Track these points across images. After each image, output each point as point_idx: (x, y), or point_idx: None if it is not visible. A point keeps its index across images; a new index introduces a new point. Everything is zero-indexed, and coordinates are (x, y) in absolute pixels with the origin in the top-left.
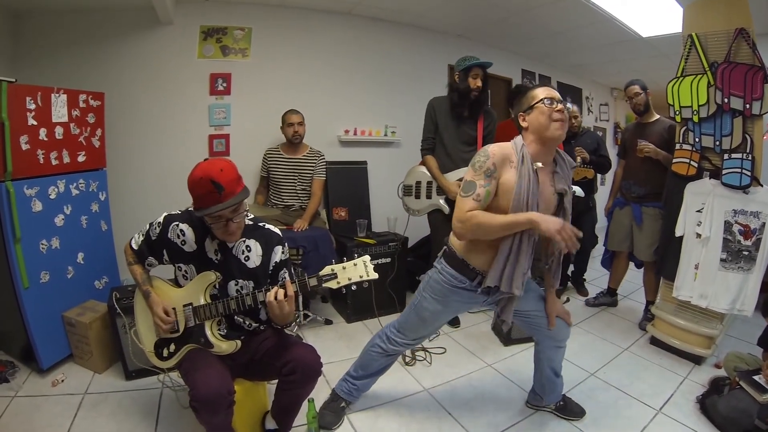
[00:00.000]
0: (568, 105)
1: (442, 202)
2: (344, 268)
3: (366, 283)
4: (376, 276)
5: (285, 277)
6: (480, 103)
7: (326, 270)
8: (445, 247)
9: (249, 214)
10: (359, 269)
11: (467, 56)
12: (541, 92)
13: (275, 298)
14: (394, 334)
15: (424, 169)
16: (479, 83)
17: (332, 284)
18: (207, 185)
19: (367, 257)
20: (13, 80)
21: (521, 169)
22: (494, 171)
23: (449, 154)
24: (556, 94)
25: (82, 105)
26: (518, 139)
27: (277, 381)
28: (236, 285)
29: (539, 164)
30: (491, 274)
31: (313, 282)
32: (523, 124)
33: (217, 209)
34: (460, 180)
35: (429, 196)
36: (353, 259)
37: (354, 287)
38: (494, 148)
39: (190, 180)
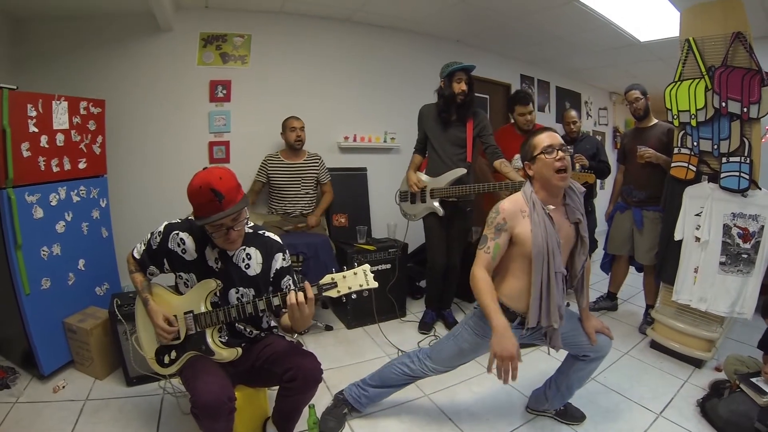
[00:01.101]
0: (569, 120)
1: (436, 204)
2: (344, 277)
3: (366, 292)
4: (375, 285)
5: (289, 284)
6: (467, 106)
7: (326, 279)
8: None
9: (249, 222)
10: (359, 278)
11: (450, 62)
12: (541, 141)
13: (298, 300)
14: (427, 359)
15: (418, 174)
16: (464, 87)
17: (332, 293)
18: (207, 194)
19: (366, 266)
20: (14, 87)
21: (534, 216)
22: (504, 225)
23: (441, 158)
24: (557, 140)
25: (82, 112)
26: (527, 187)
27: (277, 387)
28: (237, 293)
29: (551, 207)
30: (531, 316)
31: (313, 290)
32: (529, 173)
33: (219, 218)
34: (452, 181)
35: (423, 200)
36: (353, 267)
37: (354, 296)
38: (505, 204)
39: (190, 189)
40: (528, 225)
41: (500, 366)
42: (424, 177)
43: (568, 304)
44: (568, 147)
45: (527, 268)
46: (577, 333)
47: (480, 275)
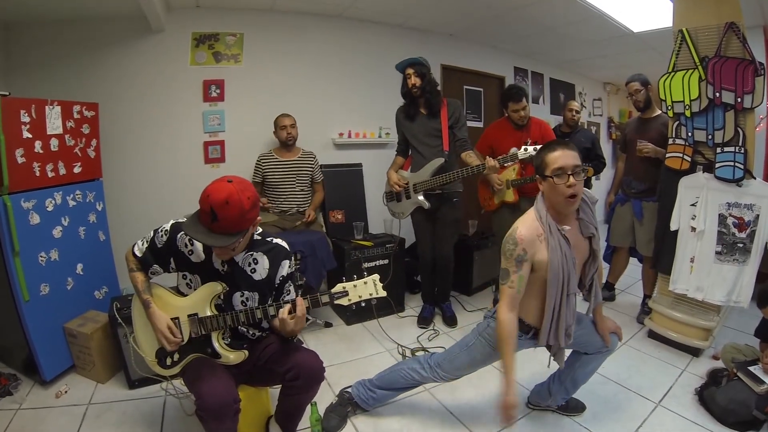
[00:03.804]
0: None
1: (421, 198)
2: (355, 286)
3: (374, 301)
4: (384, 294)
5: (290, 290)
6: (433, 97)
7: (338, 288)
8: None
9: (258, 229)
10: (369, 287)
11: (401, 61)
12: (553, 160)
13: (289, 312)
14: (438, 367)
15: (400, 172)
16: (414, 80)
17: (343, 301)
18: (207, 207)
19: (376, 276)
20: (7, 93)
21: (551, 241)
22: (524, 255)
23: (421, 153)
24: (569, 161)
25: (76, 116)
26: (541, 205)
27: (280, 386)
28: (241, 296)
29: (567, 228)
30: (542, 337)
31: (325, 299)
32: (540, 187)
33: (197, 238)
34: (433, 172)
35: (408, 197)
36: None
37: (363, 303)
38: (522, 232)
39: (204, 190)
40: (545, 251)
41: (503, 415)
42: (406, 174)
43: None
44: (584, 166)
45: (543, 289)
46: (589, 334)
47: (504, 319)
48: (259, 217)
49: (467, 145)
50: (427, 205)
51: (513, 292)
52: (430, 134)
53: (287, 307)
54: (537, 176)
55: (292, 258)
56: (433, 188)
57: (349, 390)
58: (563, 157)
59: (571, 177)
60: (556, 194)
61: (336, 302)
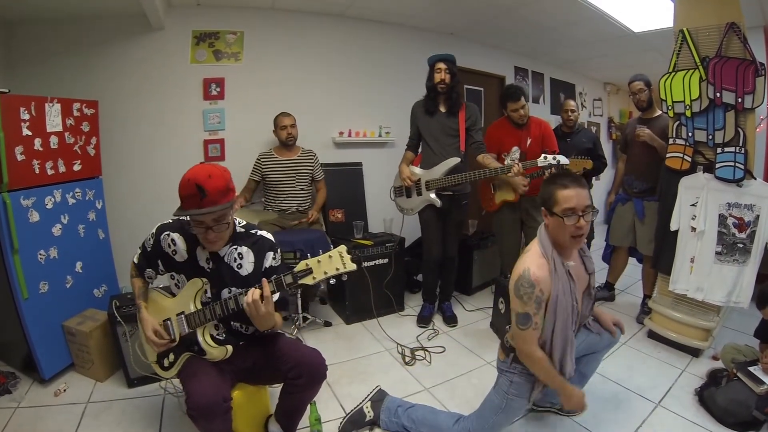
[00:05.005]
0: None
1: (432, 196)
2: (319, 261)
3: (345, 276)
4: (353, 267)
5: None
6: (455, 96)
7: (301, 265)
8: (514, 353)
9: (240, 221)
10: (335, 261)
11: (434, 54)
12: (564, 199)
13: (252, 299)
14: None
15: (411, 168)
16: (443, 76)
17: (308, 280)
18: (192, 188)
19: (342, 247)
20: (7, 91)
21: (554, 276)
22: (543, 296)
23: (434, 150)
24: (581, 201)
25: (76, 113)
26: (546, 241)
27: (279, 385)
28: (229, 293)
29: (571, 264)
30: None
31: (288, 279)
32: (545, 221)
33: (193, 214)
34: (447, 171)
35: (420, 193)
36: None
37: (333, 281)
38: (536, 273)
39: (181, 180)
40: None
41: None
42: (417, 170)
43: None
44: (594, 208)
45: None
46: (589, 339)
47: (540, 355)
48: (237, 194)
49: (484, 147)
50: (439, 203)
51: (537, 333)
52: (446, 132)
53: (252, 290)
54: (543, 209)
55: (278, 250)
56: (446, 187)
57: (381, 416)
58: (576, 197)
59: (581, 219)
60: (563, 233)
61: (300, 282)
